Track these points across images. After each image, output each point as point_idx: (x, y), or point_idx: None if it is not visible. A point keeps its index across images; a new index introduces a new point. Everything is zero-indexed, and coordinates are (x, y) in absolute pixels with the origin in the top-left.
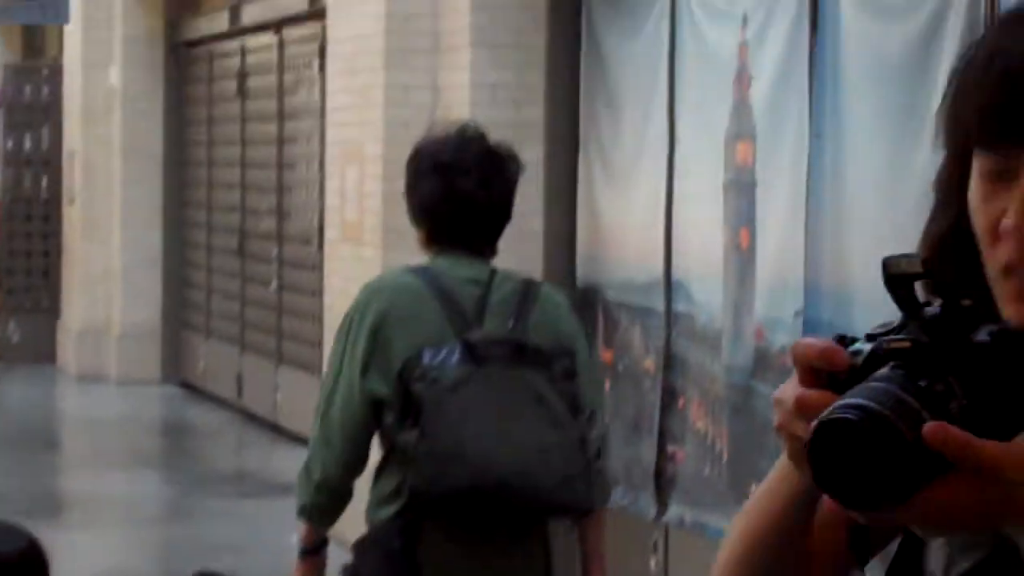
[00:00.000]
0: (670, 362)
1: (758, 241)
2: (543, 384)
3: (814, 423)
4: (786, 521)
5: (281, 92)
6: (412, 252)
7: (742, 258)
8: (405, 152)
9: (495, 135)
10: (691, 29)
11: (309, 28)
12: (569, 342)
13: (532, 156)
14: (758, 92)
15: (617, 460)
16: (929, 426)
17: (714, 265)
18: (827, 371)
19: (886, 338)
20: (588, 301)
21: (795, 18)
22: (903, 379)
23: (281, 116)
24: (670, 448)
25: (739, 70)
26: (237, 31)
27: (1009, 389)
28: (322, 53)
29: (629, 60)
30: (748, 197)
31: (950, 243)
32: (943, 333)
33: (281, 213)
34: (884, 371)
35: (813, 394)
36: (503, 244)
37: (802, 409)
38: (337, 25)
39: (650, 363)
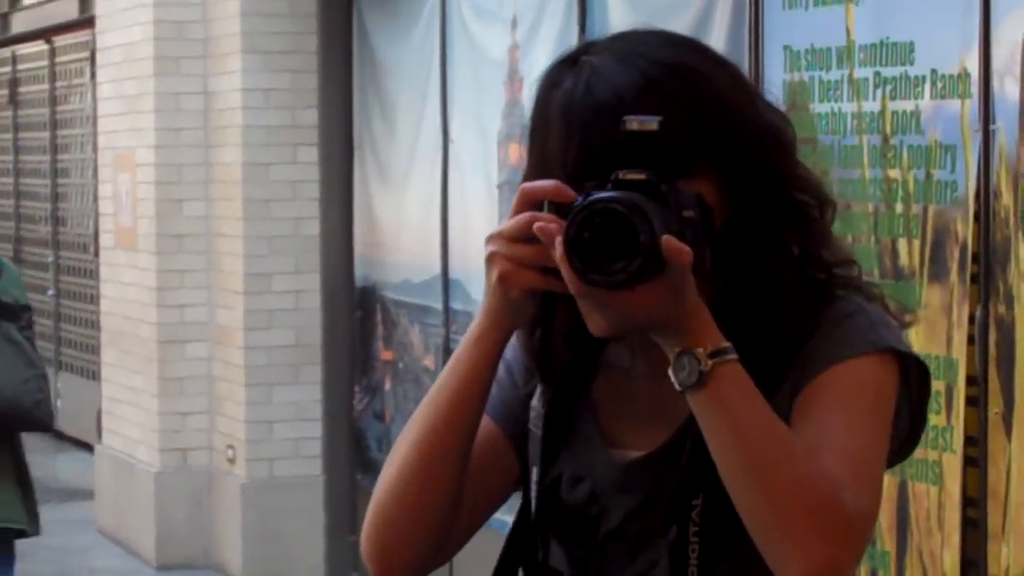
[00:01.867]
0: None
1: None
2: (15, 332)
3: (579, 206)
4: (474, 390)
5: (53, 100)
6: (188, 257)
7: None
8: (177, 158)
9: (270, 139)
10: (462, 31)
11: (79, 36)
12: (25, 300)
13: (307, 159)
14: (529, 93)
15: None
16: (669, 238)
17: None
18: (553, 205)
19: (620, 171)
20: (367, 301)
21: (564, 20)
22: (639, 195)
23: (54, 124)
24: None
25: (510, 72)
26: (7, 39)
27: (699, 235)
28: (93, 61)
29: (401, 63)
30: None
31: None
32: (661, 182)
33: (56, 220)
34: (612, 190)
35: (544, 215)
36: (281, 247)
37: (534, 227)
38: (106, 33)
39: (430, 361)
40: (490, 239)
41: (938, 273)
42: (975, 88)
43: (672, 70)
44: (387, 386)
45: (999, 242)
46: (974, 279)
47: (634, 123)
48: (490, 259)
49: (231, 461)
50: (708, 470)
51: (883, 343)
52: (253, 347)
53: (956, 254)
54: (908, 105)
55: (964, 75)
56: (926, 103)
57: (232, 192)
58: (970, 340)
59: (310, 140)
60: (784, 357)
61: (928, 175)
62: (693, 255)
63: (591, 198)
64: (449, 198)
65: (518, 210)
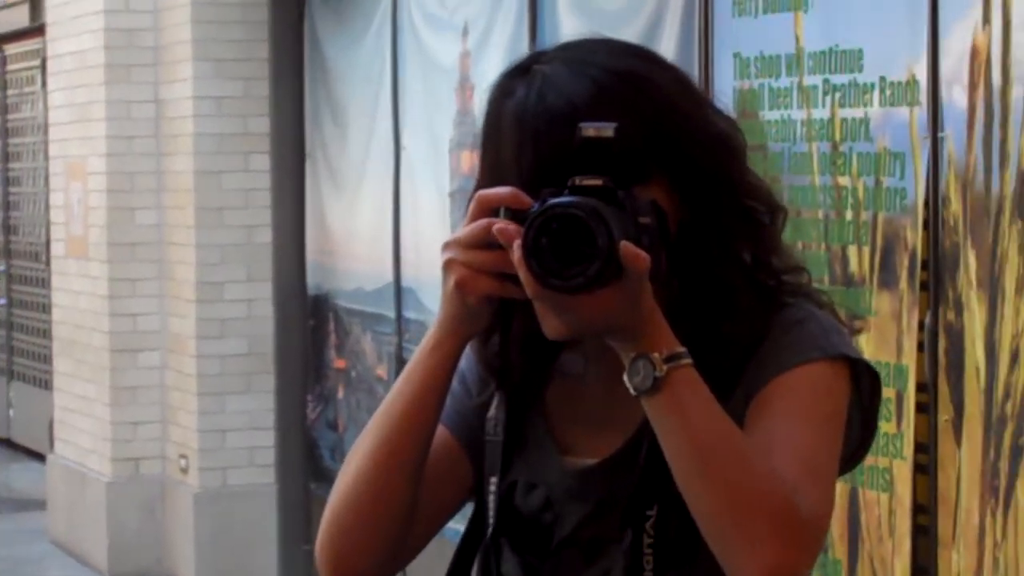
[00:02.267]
0: (402, 368)
1: None
2: None
3: (537, 211)
4: (430, 398)
5: (4, 108)
6: (140, 266)
7: None
8: (129, 167)
9: (221, 147)
10: (413, 39)
11: (30, 44)
12: None
13: (259, 167)
14: (481, 101)
15: None
16: (627, 244)
17: None
18: (508, 211)
19: (577, 177)
20: (319, 309)
21: (515, 27)
22: (596, 198)
23: (5, 132)
24: None
25: (461, 79)
26: None
27: (655, 240)
28: (44, 69)
29: (353, 70)
30: None
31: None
32: (617, 188)
33: (8, 229)
34: (569, 196)
35: (501, 221)
36: (234, 255)
37: (490, 234)
38: (57, 41)
39: (382, 370)
40: (446, 246)
41: (888, 280)
42: (923, 96)
43: (623, 77)
44: (340, 395)
45: (948, 249)
46: (924, 286)
47: (590, 130)
48: (447, 266)
49: (184, 470)
50: (663, 478)
51: (834, 350)
52: (205, 356)
53: (906, 261)
54: (857, 112)
55: (912, 83)
56: (875, 111)
57: (184, 200)
58: (920, 347)
59: (262, 148)
60: (736, 362)
61: (877, 182)
62: (650, 259)
63: (549, 203)
64: (401, 206)
65: (474, 217)
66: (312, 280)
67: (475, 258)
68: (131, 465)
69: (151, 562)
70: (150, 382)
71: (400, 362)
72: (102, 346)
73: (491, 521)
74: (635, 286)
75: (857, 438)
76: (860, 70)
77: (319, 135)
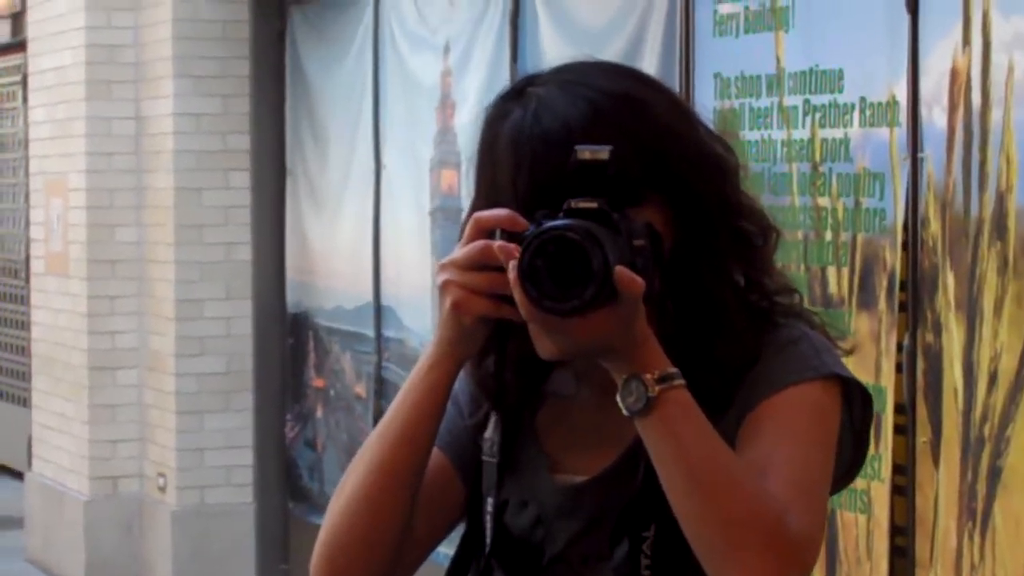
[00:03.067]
0: (382, 387)
1: None
2: None
3: (533, 233)
4: (426, 419)
5: None
6: (120, 283)
7: None
8: (109, 183)
9: (201, 164)
10: (394, 58)
11: (11, 59)
12: None
13: (239, 185)
14: (462, 120)
15: (331, 486)
16: (621, 269)
17: (423, 290)
18: (504, 233)
19: (572, 200)
20: (299, 328)
21: (496, 45)
22: (592, 220)
23: None
24: None
25: (443, 98)
26: None
27: (649, 263)
28: (25, 84)
29: (334, 88)
30: (455, 224)
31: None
32: (613, 212)
33: None
34: (565, 218)
35: (498, 243)
36: (213, 272)
37: (486, 256)
38: (39, 56)
39: (361, 389)
40: (442, 267)
41: (867, 301)
42: (903, 116)
43: (618, 99)
44: (319, 414)
45: (927, 270)
46: (902, 307)
47: (586, 152)
48: (443, 287)
49: (162, 489)
50: (659, 498)
51: (826, 369)
52: (184, 374)
53: (885, 282)
54: (837, 133)
55: (892, 103)
56: (855, 131)
57: (164, 217)
58: (898, 368)
59: (242, 165)
60: (729, 383)
61: (857, 203)
62: (644, 284)
63: (544, 226)
64: (381, 224)
65: (471, 238)
66: (292, 298)
67: (471, 280)
68: (109, 483)
69: None
70: (128, 400)
71: (379, 381)
72: (81, 364)
73: (488, 541)
74: (629, 309)
75: (848, 458)
76: (840, 91)
77: (300, 153)
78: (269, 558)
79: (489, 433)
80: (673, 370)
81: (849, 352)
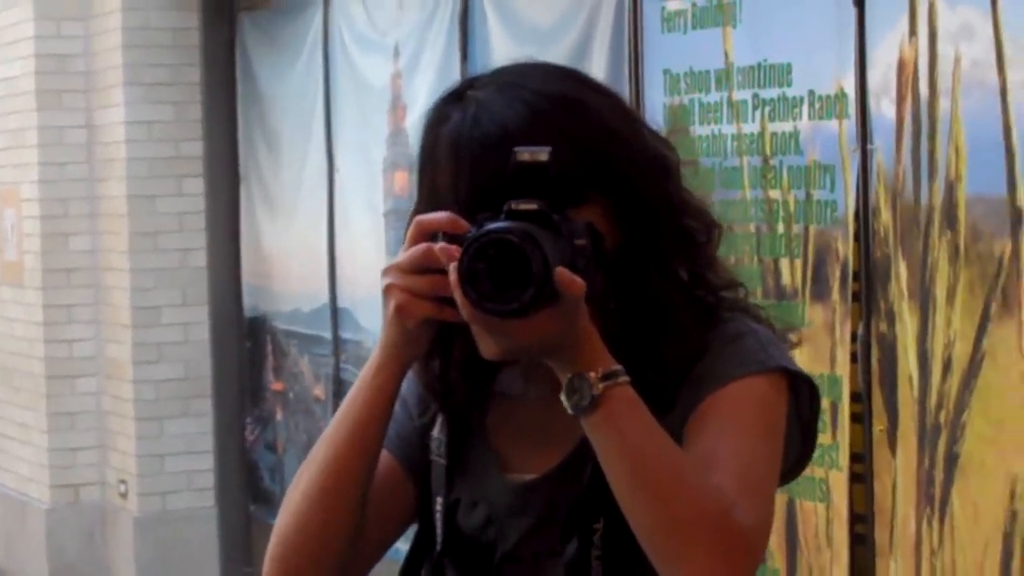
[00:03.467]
0: (340, 389)
1: None
2: None
3: (472, 236)
4: (374, 422)
5: None
6: (75, 291)
7: None
8: (62, 192)
9: (154, 172)
10: (344, 61)
11: None
12: None
13: (193, 191)
14: (413, 121)
15: None
16: (562, 270)
17: (378, 292)
18: (447, 236)
19: (513, 202)
20: (256, 332)
21: (445, 47)
22: (532, 222)
23: None
24: None
25: (393, 100)
26: None
27: (591, 262)
28: None
29: (285, 93)
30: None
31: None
32: (553, 211)
33: None
34: (505, 220)
35: (440, 245)
36: (169, 279)
37: (429, 259)
38: None
39: (320, 391)
40: (386, 271)
41: (820, 292)
42: (852, 109)
43: (556, 101)
44: (278, 417)
45: (879, 260)
46: (855, 297)
47: (525, 154)
48: (386, 291)
49: (123, 496)
50: (607, 493)
51: (772, 362)
52: (142, 381)
53: (837, 273)
54: (787, 126)
55: (841, 96)
56: (804, 124)
57: (118, 225)
58: (853, 358)
59: (195, 172)
60: (675, 380)
61: (808, 195)
62: (585, 284)
63: (484, 228)
64: (335, 227)
65: (413, 242)
66: (248, 303)
67: (414, 283)
68: (70, 491)
69: None
70: (87, 408)
71: (338, 383)
72: (38, 373)
73: (439, 540)
74: (570, 309)
75: (796, 450)
76: (789, 84)
77: (253, 158)
78: (232, 561)
79: (437, 433)
80: (617, 367)
81: (796, 344)
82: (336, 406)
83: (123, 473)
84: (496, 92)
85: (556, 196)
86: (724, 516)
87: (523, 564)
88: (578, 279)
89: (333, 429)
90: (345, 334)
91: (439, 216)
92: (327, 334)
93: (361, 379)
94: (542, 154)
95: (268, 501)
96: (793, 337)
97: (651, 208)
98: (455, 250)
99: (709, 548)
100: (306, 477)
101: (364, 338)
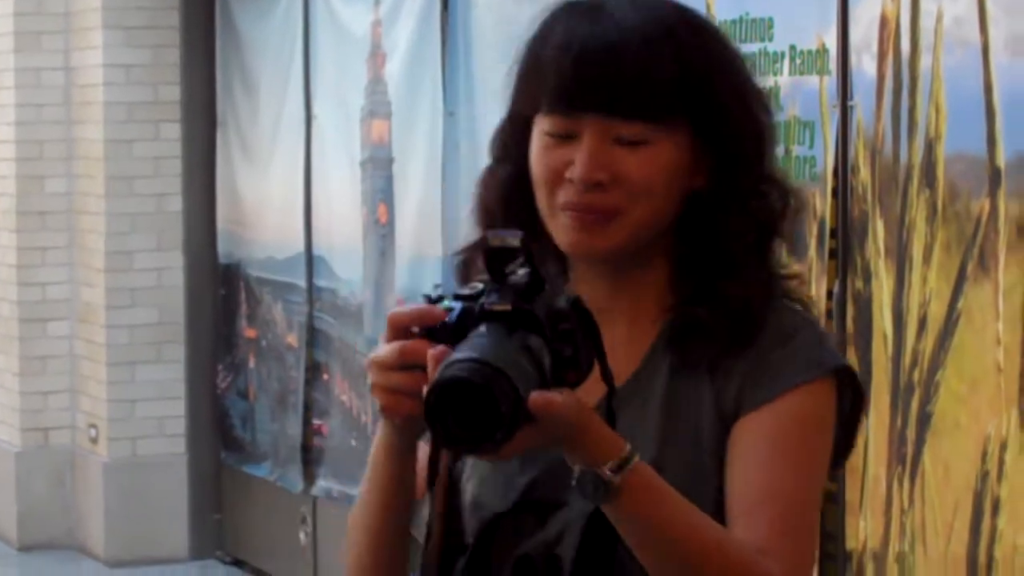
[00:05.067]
0: (313, 337)
1: (396, 217)
2: None
3: (436, 379)
4: (399, 491)
5: None
6: (50, 234)
7: (381, 233)
8: (39, 135)
9: (132, 116)
10: (324, 8)
11: None
12: None
13: (170, 136)
14: (392, 70)
15: (264, 435)
16: (535, 396)
17: (354, 240)
18: (422, 329)
19: (487, 301)
20: (230, 279)
21: None
22: (505, 336)
23: None
24: (316, 422)
25: (373, 48)
26: None
27: (581, 343)
28: None
29: (264, 39)
30: (385, 174)
31: (512, 188)
32: (532, 299)
33: None
34: (483, 329)
35: (412, 343)
36: (144, 224)
37: (404, 357)
38: None
39: (293, 338)
40: (369, 366)
41: (797, 249)
42: (833, 64)
43: (680, 16)
44: (251, 364)
45: (857, 218)
46: (832, 255)
47: (496, 239)
48: (372, 390)
49: (93, 441)
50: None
51: (828, 365)
52: (115, 325)
53: (815, 230)
54: (767, 81)
55: (822, 51)
56: (785, 79)
57: (94, 169)
58: (828, 315)
59: (172, 116)
60: (732, 319)
61: (787, 151)
62: (563, 400)
63: (445, 373)
64: (312, 175)
65: (389, 337)
66: (223, 249)
67: (394, 380)
68: (40, 435)
69: (61, 532)
70: (60, 352)
71: (311, 331)
72: (11, 316)
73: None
74: (552, 426)
75: (838, 447)
76: (771, 39)
77: (230, 104)
78: (201, 508)
79: (423, 513)
80: (627, 451)
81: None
82: (309, 354)
83: (94, 418)
84: (628, 4)
85: (652, 106)
86: None
87: (535, 512)
88: (555, 398)
89: (362, 508)
90: (320, 282)
91: (410, 310)
92: (301, 282)
93: (374, 457)
94: (513, 239)
95: (239, 449)
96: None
97: (743, 144)
98: (424, 347)
99: None
100: (351, 548)
101: (339, 286)
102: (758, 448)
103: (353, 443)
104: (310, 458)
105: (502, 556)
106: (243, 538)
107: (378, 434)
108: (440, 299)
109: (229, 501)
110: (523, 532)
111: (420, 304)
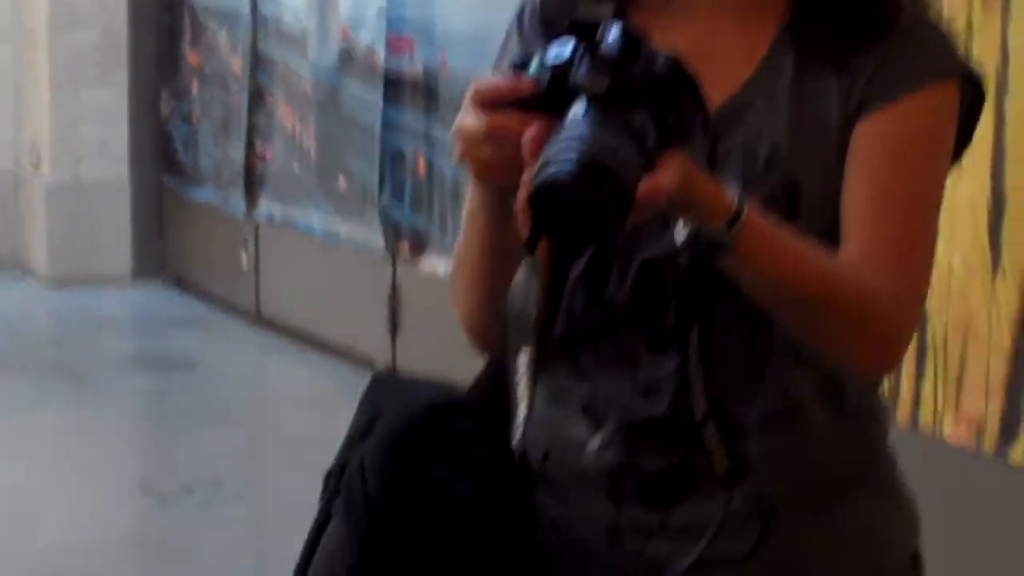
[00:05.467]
0: (257, 62)
1: None
2: None
3: (537, 182)
4: (496, 231)
5: None
6: None
7: None
8: None
9: None
10: None
11: None
12: None
13: None
14: None
15: (207, 160)
16: (643, 188)
17: None
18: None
19: (579, 74)
20: (175, 6)
21: None
22: (603, 116)
23: None
24: (259, 147)
25: None
26: None
27: (684, 106)
28: None
29: None
30: None
31: None
32: (628, 68)
33: None
34: (579, 109)
35: (501, 119)
36: None
37: (493, 131)
38: None
39: (237, 64)
40: (455, 134)
41: None
42: None
43: None
44: (194, 90)
45: None
46: None
47: (586, 10)
48: (459, 157)
49: (35, 166)
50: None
51: (955, 68)
52: (58, 47)
53: None
54: None
55: None
56: None
57: None
58: None
59: None
60: (868, 27)
61: None
62: (665, 186)
63: (546, 173)
64: None
65: (476, 106)
66: None
67: (484, 154)
68: None
69: (4, 254)
70: (2, 76)
71: (255, 56)
72: None
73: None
74: (661, 206)
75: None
76: None
77: None
78: (144, 232)
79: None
80: (735, 205)
81: None
82: (253, 79)
83: (36, 141)
84: None
85: None
86: (880, 311)
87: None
88: (662, 182)
89: (465, 253)
90: (265, 9)
91: (499, 83)
92: (245, 9)
93: (468, 212)
94: (605, 11)
95: (182, 173)
96: None
97: None
98: (513, 123)
99: (870, 347)
100: (459, 261)
101: (283, 12)
102: (875, 161)
103: (295, 168)
104: (252, 182)
105: (625, 259)
106: (185, 260)
107: (470, 191)
108: (525, 65)
109: (170, 226)
110: (643, 236)
111: (508, 77)
